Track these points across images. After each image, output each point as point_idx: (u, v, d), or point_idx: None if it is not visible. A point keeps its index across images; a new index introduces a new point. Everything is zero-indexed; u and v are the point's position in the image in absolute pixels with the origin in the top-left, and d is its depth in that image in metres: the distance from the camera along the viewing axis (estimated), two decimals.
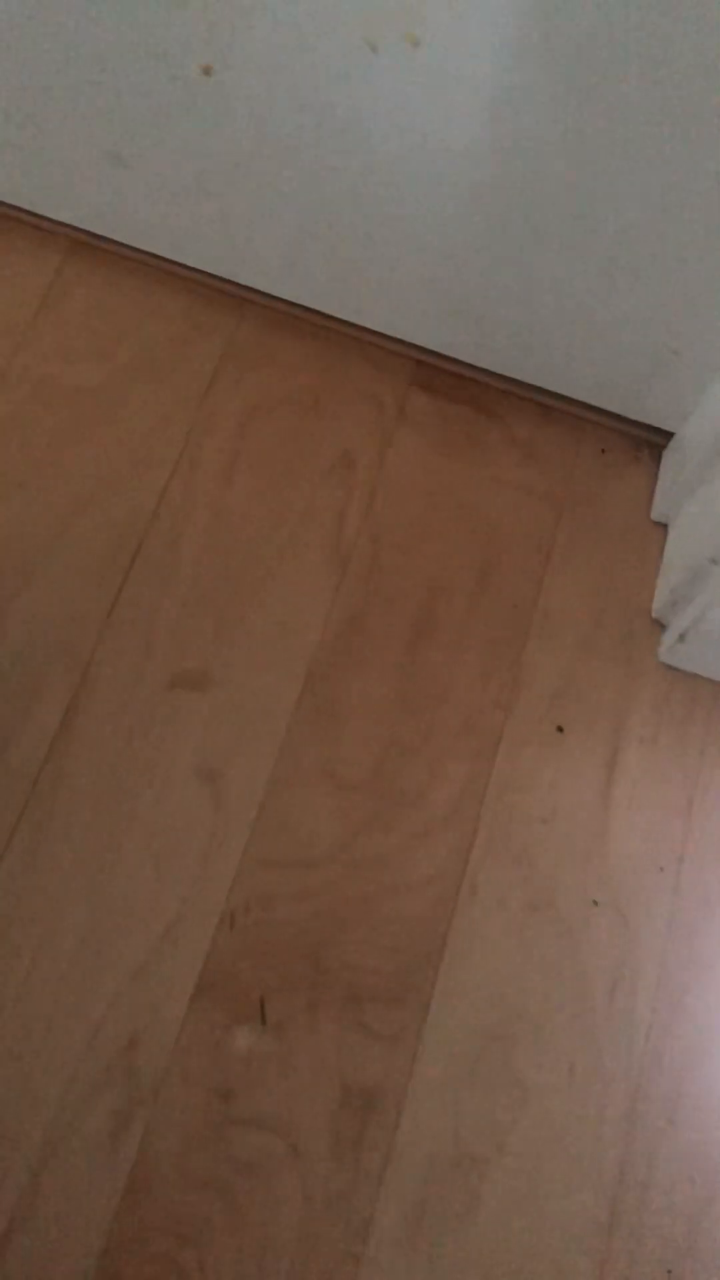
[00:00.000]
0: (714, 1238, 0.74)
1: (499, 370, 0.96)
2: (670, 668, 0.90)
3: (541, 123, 0.73)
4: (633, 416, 0.96)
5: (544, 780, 0.85)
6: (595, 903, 0.82)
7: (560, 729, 0.87)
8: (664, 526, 0.95)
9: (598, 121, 0.71)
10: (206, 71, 0.78)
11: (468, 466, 0.95)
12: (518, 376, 0.96)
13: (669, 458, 0.96)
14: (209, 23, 0.75)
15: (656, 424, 0.96)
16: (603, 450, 0.98)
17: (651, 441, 0.98)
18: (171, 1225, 0.70)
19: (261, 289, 0.97)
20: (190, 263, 0.98)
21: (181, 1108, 0.73)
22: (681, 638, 0.86)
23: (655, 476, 0.97)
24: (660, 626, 0.91)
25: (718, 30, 0.63)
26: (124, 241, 0.98)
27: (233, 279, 0.98)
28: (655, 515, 0.95)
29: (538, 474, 0.96)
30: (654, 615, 0.91)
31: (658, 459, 0.98)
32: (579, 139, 0.73)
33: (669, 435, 0.97)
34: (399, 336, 0.97)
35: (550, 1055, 0.77)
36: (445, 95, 0.74)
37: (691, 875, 0.83)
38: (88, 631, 0.85)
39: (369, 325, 0.96)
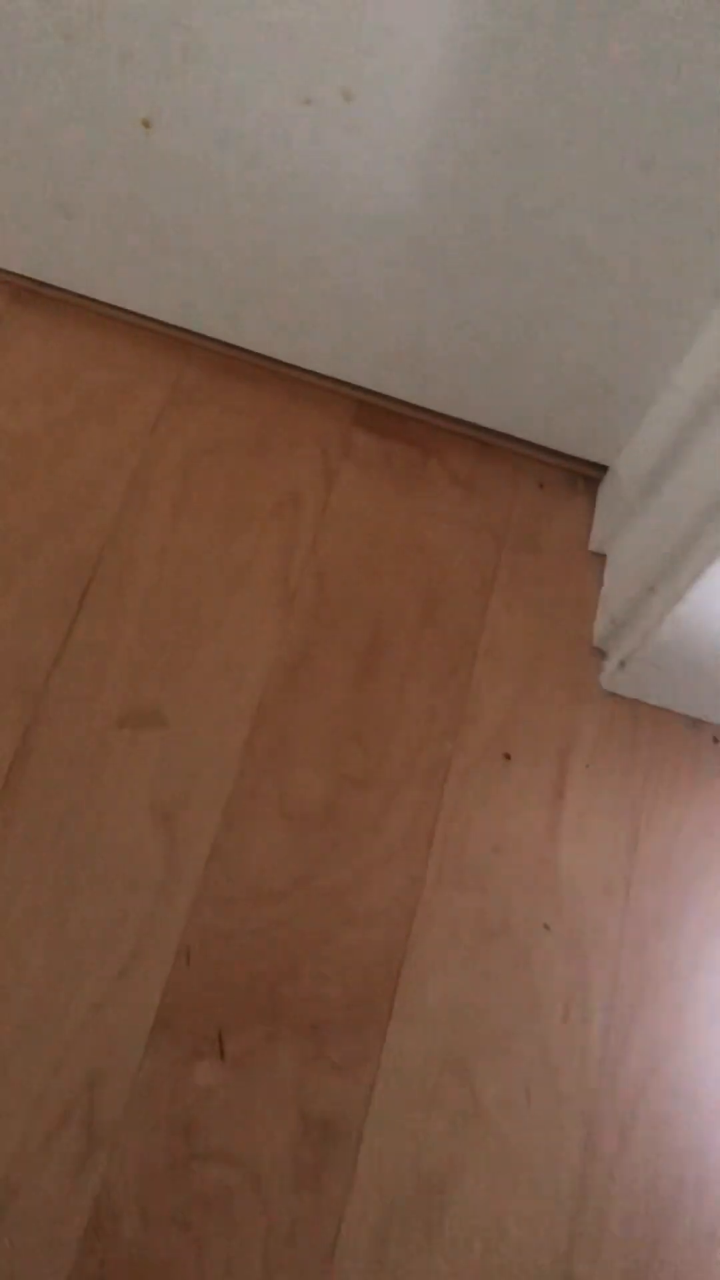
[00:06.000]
0: (673, 1259, 0.75)
1: (438, 409, 0.99)
2: (612, 694, 0.92)
3: (470, 170, 0.76)
4: (569, 451, 0.99)
5: (494, 808, 0.86)
6: (547, 927, 0.83)
7: (508, 757, 0.89)
8: (602, 557, 0.98)
9: (525, 170, 0.74)
10: (146, 125, 0.81)
11: (410, 503, 0.97)
12: (457, 415, 0.99)
13: (605, 490, 0.99)
14: (149, 78, 0.77)
15: (592, 458, 0.99)
16: (541, 485, 1.00)
17: (587, 475, 1.01)
18: (134, 1263, 0.70)
19: (205, 333, 0.99)
20: (135, 308, 0.99)
21: (142, 1145, 0.73)
22: (622, 665, 0.89)
23: (592, 509, 1.00)
24: (601, 655, 0.94)
25: (640, 84, 0.67)
26: (68, 288, 1.00)
27: (177, 324, 1.00)
28: (594, 546, 0.98)
29: (478, 509, 0.98)
30: (595, 644, 0.94)
31: (594, 492, 1.01)
32: (507, 185, 0.76)
33: (604, 469, 1.00)
34: (341, 378, 0.99)
35: (507, 1080, 0.78)
36: (377, 145, 0.76)
37: (639, 897, 0.85)
38: (38, 672, 0.86)
39: (311, 368, 0.99)
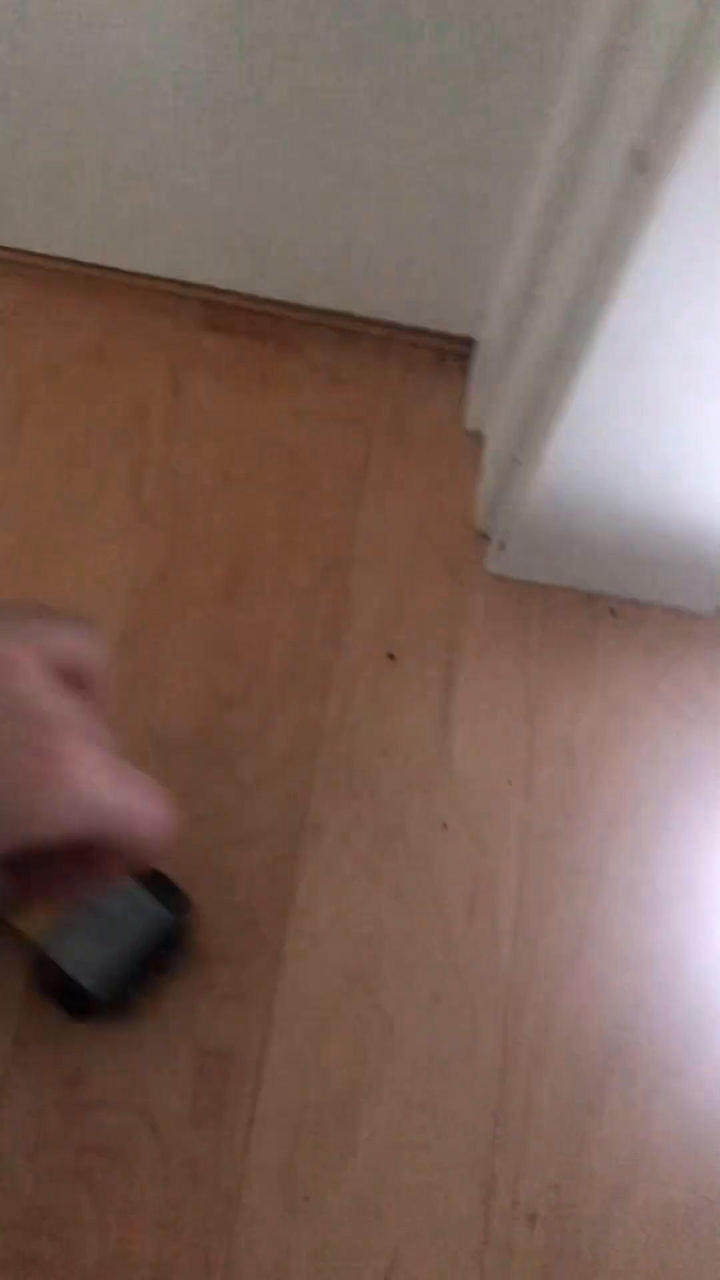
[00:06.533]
0: (600, 1153, 0.72)
1: (289, 300, 0.93)
2: (499, 578, 0.87)
3: (280, 28, 0.69)
4: (432, 328, 0.93)
5: (380, 711, 0.82)
6: (445, 826, 0.79)
7: (391, 656, 0.84)
8: (479, 436, 0.92)
9: (333, 26, 0.68)
10: None
11: (269, 402, 0.91)
12: (310, 303, 0.93)
13: (475, 365, 0.93)
14: None
15: (456, 332, 0.93)
16: (408, 367, 0.95)
17: (457, 351, 0.95)
18: (30, 1221, 0.67)
19: (24, 248, 0.92)
20: None
21: (30, 1098, 0.69)
22: (502, 545, 0.84)
23: (465, 388, 0.94)
24: (485, 539, 0.89)
25: None
26: None
27: None
28: (469, 425, 0.92)
29: (343, 400, 0.92)
30: (477, 527, 0.89)
31: (465, 368, 0.95)
32: (317, 42, 0.69)
33: (472, 342, 0.94)
34: (180, 278, 0.93)
35: (414, 987, 0.75)
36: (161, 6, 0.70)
37: (541, 783, 0.81)
38: None
39: (146, 271, 0.92)
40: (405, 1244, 0.69)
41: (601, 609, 0.87)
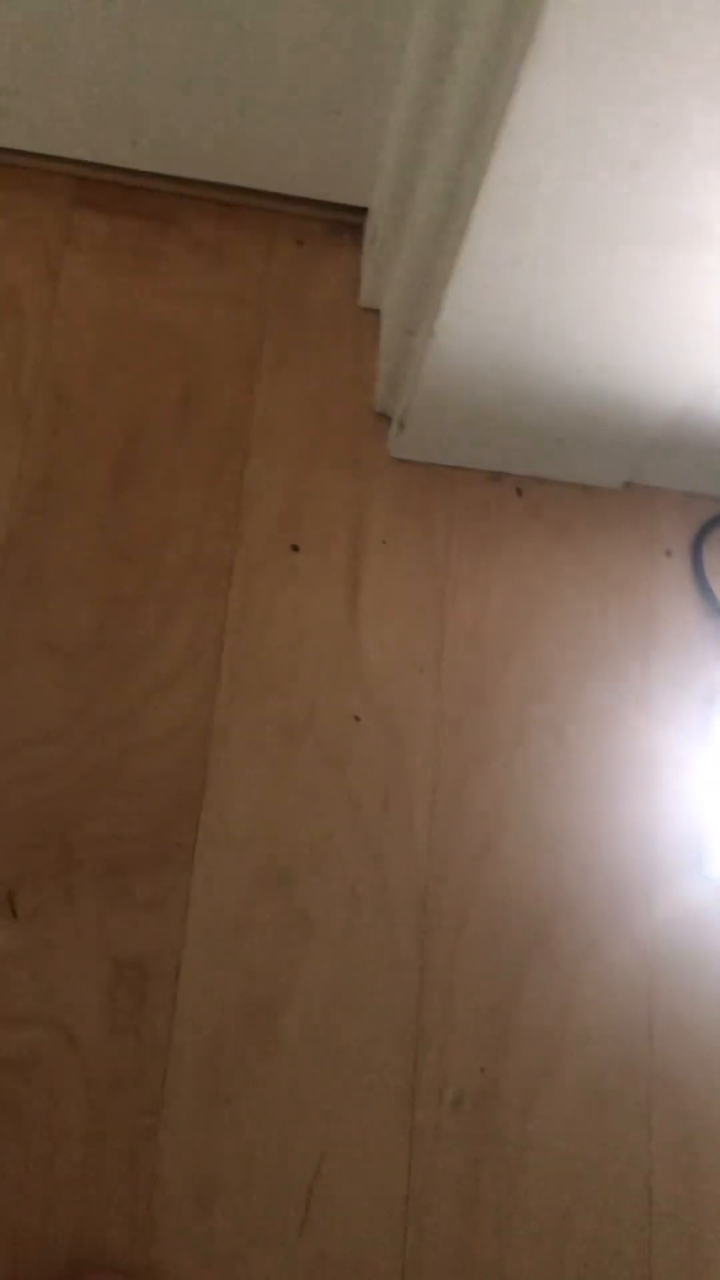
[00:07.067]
0: (524, 1034, 0.72)
1: (167, 171, 0.87)
2: (402, 461, 0.84)
3: None
4: (321, 197, 0.88)
5: (285, 605, 0.79)
6: (357, 718, 0.77)
7: (295, 548, 0.81)
8: (376, 312, 0.88)
9: None
10: None
11: (151, 283, 0.86)
12: (190, 175, 0.87)
13: (369, 236, 0.88)
14: None
15: (347, 201, 0.88)
16: (299, 242, 0.89)
17: (350, 223, 0.90)
18: None
19: None
20: None
21: None
22: (401, 425, 0.80)
23: (359, 261, 0.89)
24: (387, 420, 0.85)
25: None
26: None
27: None
28: (365, 302, 0.88)
29: (231, 279, 0.87)
30: (377, 409, 0.85)
31: (360, 241, 0.90)
32: None
33: (364, 211, 0.89)
34: (48, 153, 0.86)
35: (331, 883, 0.73)
36: None
37: (453, 669, 0.79)
38: None
39: (8, 145, 0.85)
40: (332, 1141, 0.69)
41: (508, 488, 0.84)
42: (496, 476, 0.84)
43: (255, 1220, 0.67)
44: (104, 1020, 0.69)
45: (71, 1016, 0.68)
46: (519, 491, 0.84)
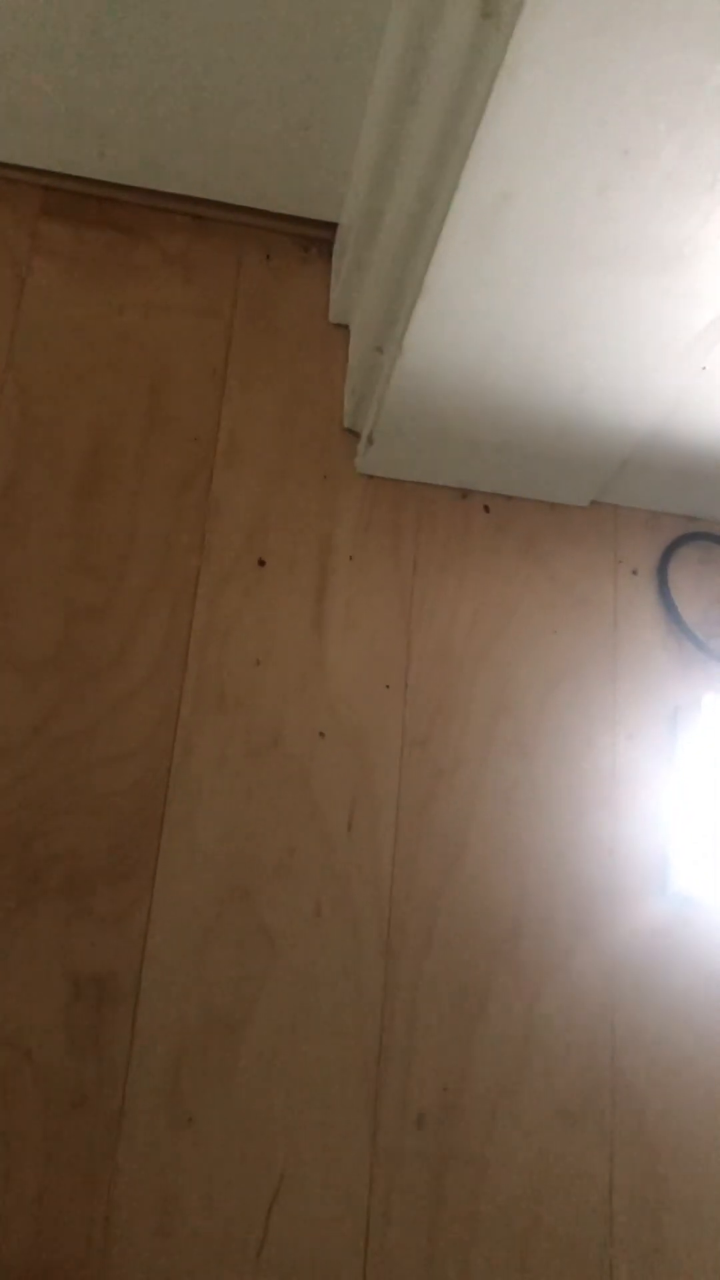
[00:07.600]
0: (487, 1052, 0.72)
1: (137, 184, 0.87)
2: (370, 477, 0.84)
3: None
4: (290, 212, 0.88)
5: (251, 620, 0.79)
6: (322, 735, 0.77)
7: (262, 562, 0.80)
8: (345, 328, 0.88)
9: None
10: None
11: (120, 295, 0.85)
12: (159, 188, 0.87)
13: (338, 252, 0.88)
14: None
15: (316, 216, 0.88)
16: (268, 256, 0.89)
17: (320, 238, 0.90)
18: None
19: None
20: None
21: None
22: (370, 440, 0.80)
23: (329, 276, 0.89)
24: (355, 436, 0.85)
25: None
26: None
27: None
28: (334, 317, 0.88)
29: (200, 292, 0.87)
30: (346, 425, 0.85)
31: (329, 257, 0.90)
32: None
33: (334, 227, 0.89)
34: (13, 162, 0.85)
35: (294, 899, 0.73)
36: None
37: (419, 686, 0.79)
38: None
39: None
40: (293, 1161, 0.68)
41: (475, 505, 0.84)
42: (464, 493, 0.84)
43: (214, 1241, 0.66)
44: (61, 1039, 0.68)
45: (29, 1034, 0.67)
46: (486, 508, 0.84)
